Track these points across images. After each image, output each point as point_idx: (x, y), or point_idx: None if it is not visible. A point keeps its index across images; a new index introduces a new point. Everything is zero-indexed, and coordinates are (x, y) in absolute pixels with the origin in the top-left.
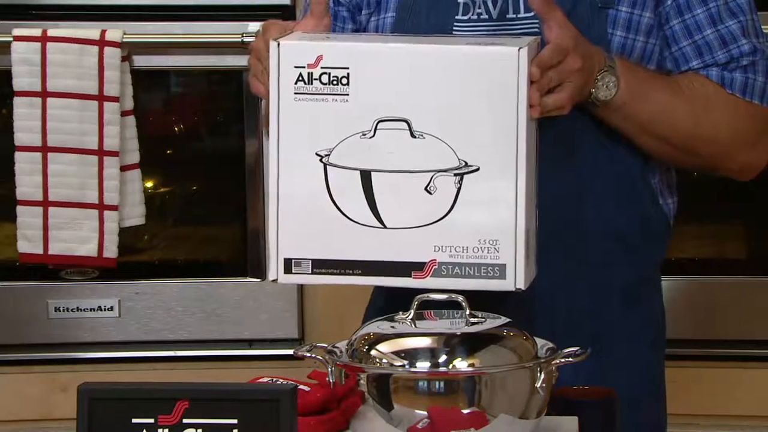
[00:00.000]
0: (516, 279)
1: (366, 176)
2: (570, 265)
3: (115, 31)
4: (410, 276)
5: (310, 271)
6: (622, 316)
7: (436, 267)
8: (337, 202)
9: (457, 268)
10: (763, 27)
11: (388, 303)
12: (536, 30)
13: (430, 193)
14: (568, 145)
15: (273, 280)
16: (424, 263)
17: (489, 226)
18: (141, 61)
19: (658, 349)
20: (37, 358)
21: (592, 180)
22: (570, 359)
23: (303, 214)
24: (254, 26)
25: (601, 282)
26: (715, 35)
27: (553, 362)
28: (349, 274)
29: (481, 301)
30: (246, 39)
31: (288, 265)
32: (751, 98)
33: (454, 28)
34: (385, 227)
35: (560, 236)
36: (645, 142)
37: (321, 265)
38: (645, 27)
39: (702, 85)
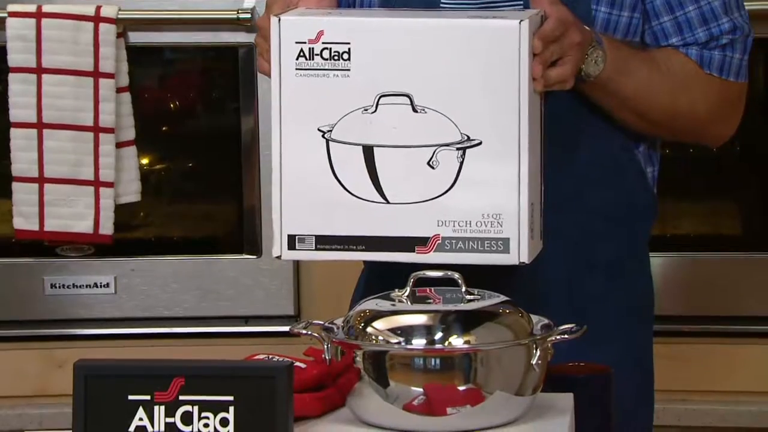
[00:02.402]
0: (520, 253)
1: (368, 152)
2: (552, 239)
3: (110, 7)
4: (414, 251)
5: (314, 248)
6: (606, 290)
7: (440, 242)
8: (339, 178)
9: (460, 242)
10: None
11: (374, 281)
12: (521, 8)
13: (433, 168)
14: (552, 120)
15: (277, 257)
16: (428, 238)
17: (492, 200)
18: (136, 37)
19: (644, 325)
20: (33, 334)
21: (576, 155)
22: (566, 336)
23: (306, 191)
24: (250, 2)
25: (584, 256)
26: (696, 12)
27: (548, 339)
28: (352, 250)
29: (482, 276)
30: (241, 15)
31: (292, 242)
32: (727, 76)
33: (442, 3)
34: (388, 202)
35: (544, 211)
36: (624, 116)
37: (325, 241)
38: (629, 2)
39: (681, 64)
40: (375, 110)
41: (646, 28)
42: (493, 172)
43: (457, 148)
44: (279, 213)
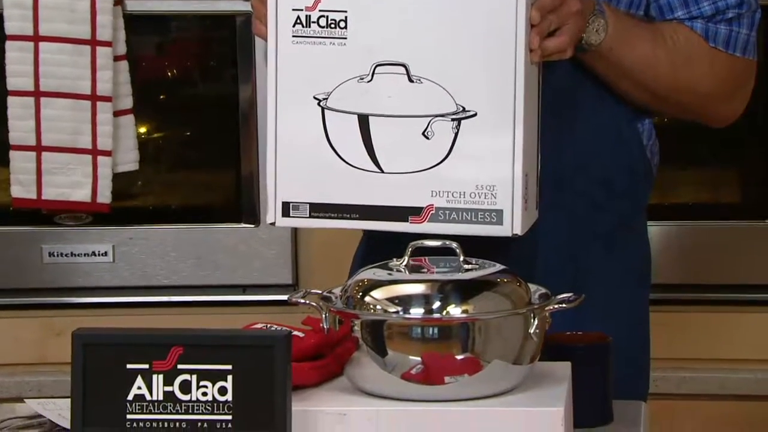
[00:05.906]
0: (513, 224)
1: (364, 120)
2: (554, 210)
3: None
4: (407, 221)
5: (307, 215)
6: (603, 260)
7: (433, 212)
8: (334, 146)
9: (454, 213)
10: None
11: (373, 250)
12: None
13: (428, 138)
14: (555, 92)
15: (271, 223)
16: (422, 208)
17: (486, 172)
18: (134, 5)
19: (643, 291)
20: (32, 302)
21: (579, 127)
22: (563, 305)
23: (301, 158)
24: None
25: (586, 227)
26: None
27: (546, 308)
28: (346, 218)
29: (482, 246)
30: None
31: (286, 209)
32: (733, 51)
33: None
34: (382, 172)
35: (543, 181)
36: (626, 88)
37: (318, 209)
38: None
39: (685, 37)
40: (371, 79)
41: (651, 2)
42: (487, 144)
43: (452, 119)
44: (273, 180)
